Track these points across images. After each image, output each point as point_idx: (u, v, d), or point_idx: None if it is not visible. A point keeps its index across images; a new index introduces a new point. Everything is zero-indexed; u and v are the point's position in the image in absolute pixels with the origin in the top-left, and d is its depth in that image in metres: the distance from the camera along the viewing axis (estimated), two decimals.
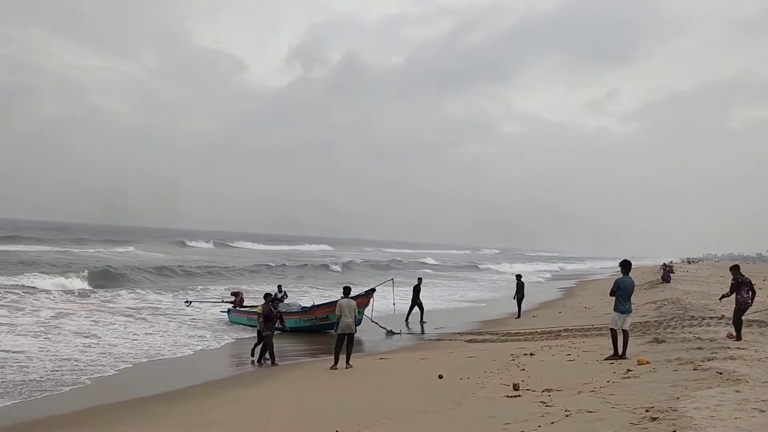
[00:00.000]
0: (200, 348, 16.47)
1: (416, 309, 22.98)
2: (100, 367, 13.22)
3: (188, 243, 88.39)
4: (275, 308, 15.19)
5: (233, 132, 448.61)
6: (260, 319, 14.78)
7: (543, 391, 8.87)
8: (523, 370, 11.15)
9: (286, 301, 21.86)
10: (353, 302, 13.72)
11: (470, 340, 16.89)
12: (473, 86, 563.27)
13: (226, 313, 22.42)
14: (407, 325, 21.91)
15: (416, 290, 23.17)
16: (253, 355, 15.12)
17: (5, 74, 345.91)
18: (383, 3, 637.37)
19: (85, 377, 12.32)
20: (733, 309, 12.82)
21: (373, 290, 19.69)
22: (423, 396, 9.82)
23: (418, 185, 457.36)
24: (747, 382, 7.97)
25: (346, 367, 13.14)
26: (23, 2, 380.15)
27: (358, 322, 18.06)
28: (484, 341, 16.60)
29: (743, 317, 12.69)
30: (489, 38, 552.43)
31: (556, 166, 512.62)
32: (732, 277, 13.09)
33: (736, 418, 6.23)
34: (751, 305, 12.89)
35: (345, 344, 13.38)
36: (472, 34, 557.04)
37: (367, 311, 19.28)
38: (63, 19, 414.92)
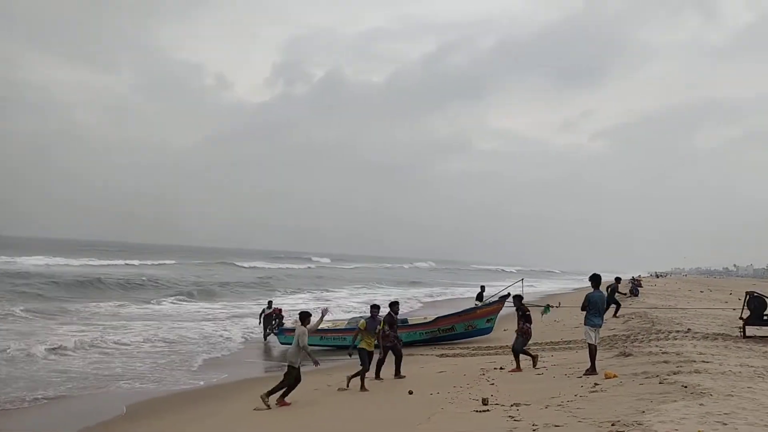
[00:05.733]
0: None
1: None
2: None
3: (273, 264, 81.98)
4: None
5: (214, 147, 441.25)
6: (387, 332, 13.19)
7: (511, 405, 8.86)
8: (493, 384, 11.16)
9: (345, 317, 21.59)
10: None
11: (441, 355, 16.86)
12: (453, 105, 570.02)
13: (276, 335, 19.65)
14: None
15: (613, 289, 23.61)
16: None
17: None
18: (362, 18, 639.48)
19: None
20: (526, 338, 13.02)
21: (507, 296, 18.75)
22: (392, 412, 9.76)
23: (397, 203, 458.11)
24: (711, 395, 8.08)
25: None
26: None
27: (488, 330, 19.63)
28: (455, 356, 16.58)
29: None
30: (468, 58, 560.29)
31: (533, 182, 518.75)
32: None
33: (699, 431, 6.31)
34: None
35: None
36: (453, 53, 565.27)
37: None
38: (40, 33, 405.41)
